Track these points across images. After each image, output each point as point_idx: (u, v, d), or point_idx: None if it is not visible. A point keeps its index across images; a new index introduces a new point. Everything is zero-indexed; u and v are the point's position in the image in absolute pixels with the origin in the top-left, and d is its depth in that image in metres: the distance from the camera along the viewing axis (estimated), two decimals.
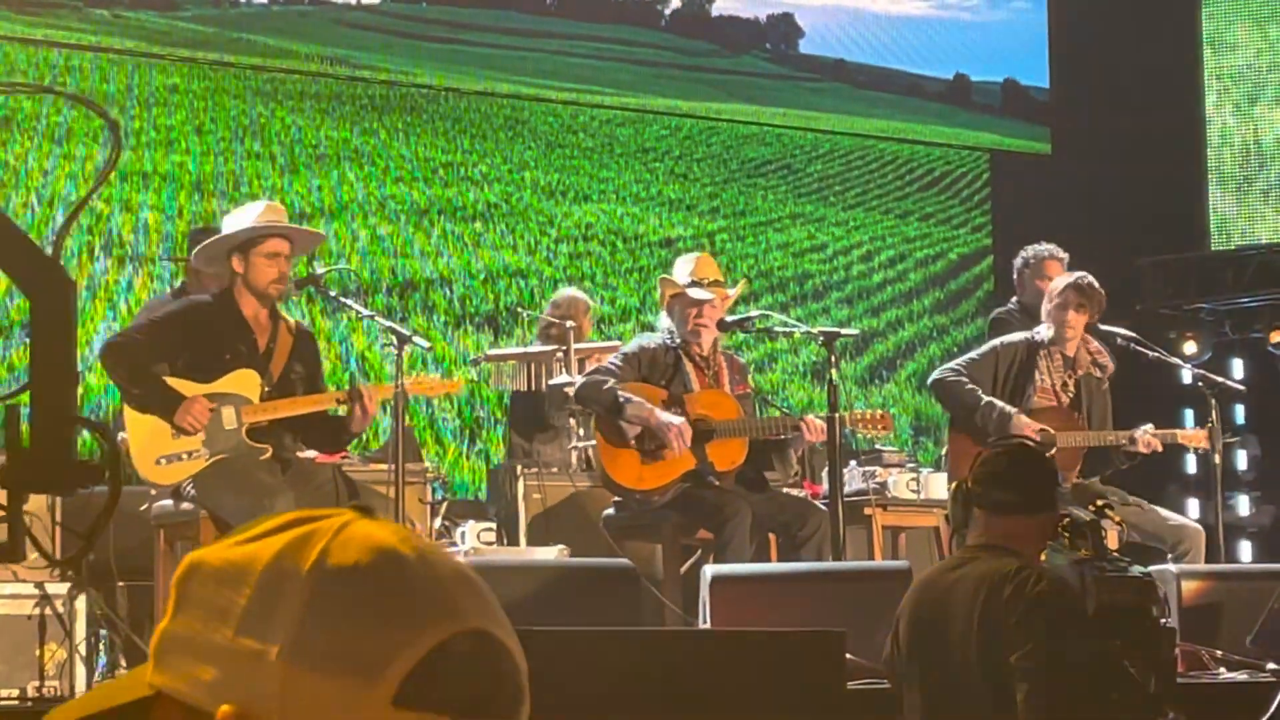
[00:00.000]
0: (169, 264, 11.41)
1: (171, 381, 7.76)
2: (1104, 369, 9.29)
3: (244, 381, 7.83)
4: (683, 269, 8.81)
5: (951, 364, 9.35)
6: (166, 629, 1.44)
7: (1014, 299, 10.28)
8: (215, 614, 1.41)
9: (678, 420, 8.49)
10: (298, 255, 8.12)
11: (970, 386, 9.06)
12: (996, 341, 9.39)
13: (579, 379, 8.84)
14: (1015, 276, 10.32)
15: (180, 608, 1.44)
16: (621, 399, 8.48)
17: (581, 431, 9.56)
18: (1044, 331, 9.23)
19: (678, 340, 8.75)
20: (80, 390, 11.10)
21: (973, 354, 9.40)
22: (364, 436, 10.72)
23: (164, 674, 1.42)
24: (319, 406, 7.91)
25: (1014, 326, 9.67)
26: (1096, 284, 9.19)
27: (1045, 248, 10.12)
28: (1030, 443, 6.02)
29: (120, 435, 8.08)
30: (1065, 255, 10.06)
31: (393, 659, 1.39)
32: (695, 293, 8.66)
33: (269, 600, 1.40)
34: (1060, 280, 9.25)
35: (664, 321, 8.86)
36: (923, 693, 5.43)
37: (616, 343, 10.16)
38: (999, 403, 8.99)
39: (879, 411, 9.10)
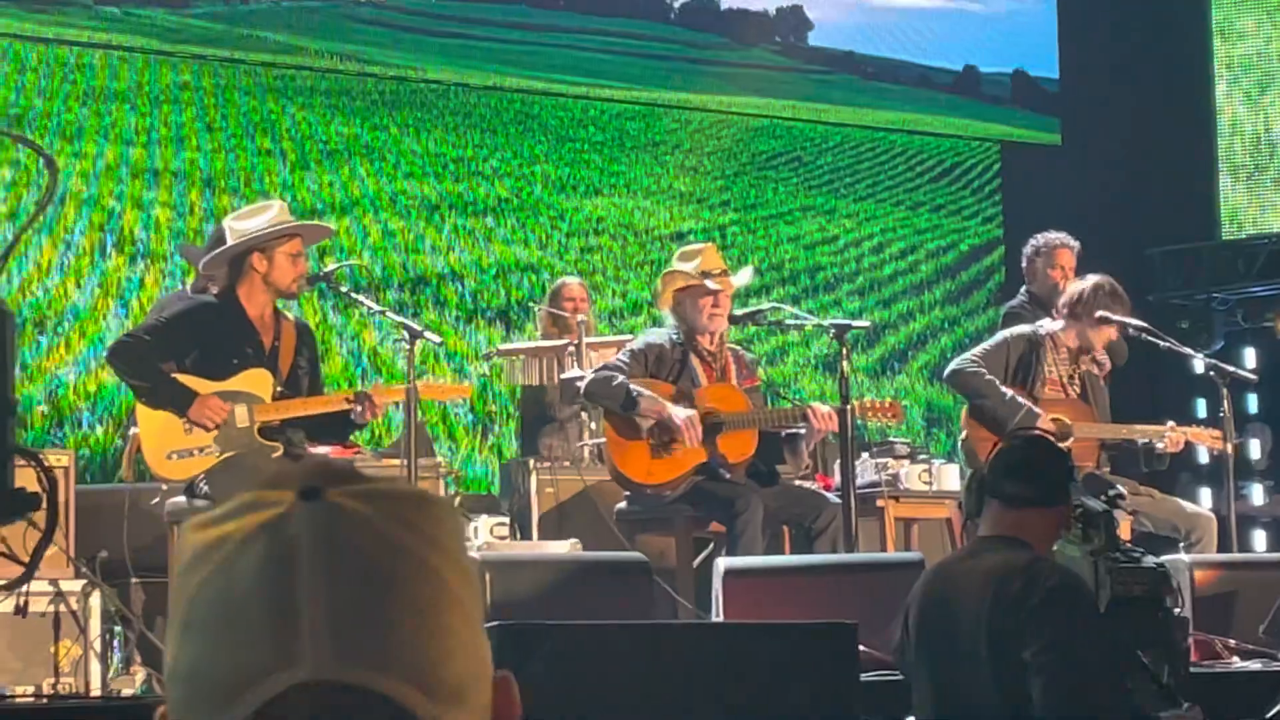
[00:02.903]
0: (181, 260, 11.43)
1: (184, 379, 7.82)
2: (1101, 366, 9.28)
3: (256, 380, 7.90)
4: (689, 262, 8.79)
5: (967, 355, 9.34)
6: None
7: (1023, 289, 10.26)
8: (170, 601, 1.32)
9: (688, 413, 8.50)
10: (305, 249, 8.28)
11: (989, 378, 9.05)
12: (1007, 332, 9.38)
13: (589, 374, 8.84)
14: (1025, 265, 10.28)
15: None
16: (633, 393, 8.48)
17: (594, 425, 9.58)
18: (1049, 325, 9.21)
19: (681, 336, 8.74)
20: (94, 387, 11.14)
21: (986, 345, 9.39)
22: (376, 432, 10.75)
23: None
24: (330, 407, 8.00)
25: (1026, 319, 9.65)
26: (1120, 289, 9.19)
27: (1056, 236, 10.09)
28: (1046, 434, 6.01)
29: (132, 430, 8.13)
30: (1077, 244, 10.03)
31: (223, 712, 1.22)
32: (711, 283, 8.65)
33: (172, 613, 1.28)
34: (1094, 286, 9.14)
35: (669, 317, 8.85)
36: (931, 682, 5.43)
37: (628, 336, 10.17)
38: (1023, 399, 8.96)
39: (889, 400, 9.11)
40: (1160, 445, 9.11)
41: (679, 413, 8.48)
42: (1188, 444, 9.43)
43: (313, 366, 8.21)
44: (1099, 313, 9.09)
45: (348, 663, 1.20)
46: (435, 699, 1.22)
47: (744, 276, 9.11)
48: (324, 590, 1.22)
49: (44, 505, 4.36)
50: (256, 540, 1.26)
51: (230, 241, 7.95)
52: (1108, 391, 9.40)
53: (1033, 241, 10.20)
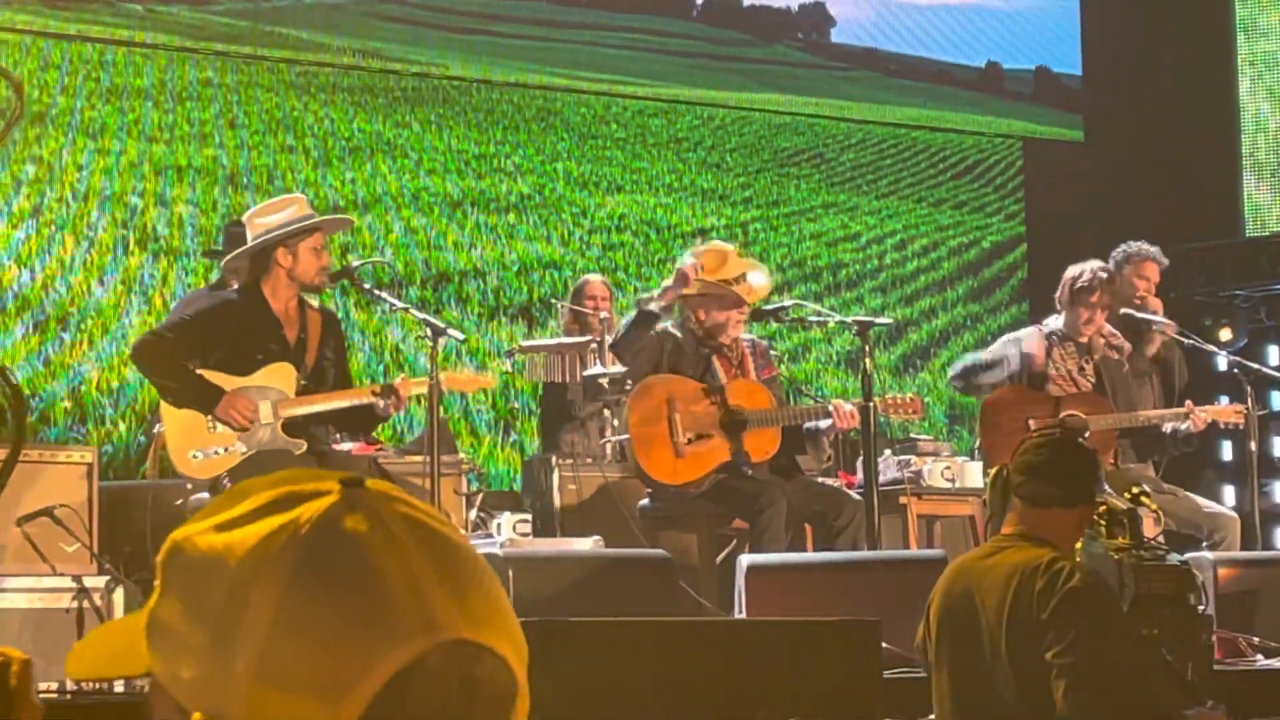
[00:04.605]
0: (204, 259, 11.44)
1: (208, 374, 7.82)
2: (1121, 350, 9.26)
3: (279, 375, 7.88)
4: (717, 263, 8.72)
5: (965, 361, 9.43)
6: (154, 610, 1.41)
7: None
8: (193, 610, 1.36)
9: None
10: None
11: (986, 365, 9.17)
12: (1006, 338, 9.42)
13: (615, 369, 8.83)
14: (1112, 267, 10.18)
15: (165, 591, 1.40)
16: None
17: (615, 422, 9.57)
18: (1052, 322, 9.22)
19: (692, 333, 8.72)
20: (116, 383, 11.15)
21: (990, 349, 9.43)
22: (399, 428, 10.76)
23: (155, 657, 1.40)
24: (354, 399, 7.97)
25: None
26: (1109, 270, 9.19)
27: (1148, 248, 9.85)
28: (1072, 433, 5.99)
29: (157, 428, 8.13)
30: (1166, 260, 9.87)
31: (360, 680, 1.31)
32: (744, 293, 8.65)
33: (239, 608, 1.34)
34: (1075, 272, 9.19)
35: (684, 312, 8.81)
36: (951, 678, 5.42)
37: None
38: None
39: (909, 395, 9.10)
40: (1185, 426, 9.12)
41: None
42: (1211, 438, 9.42)
43: (339, 358, 8.19)
44: (1122, 310, 9.09)
45: (472, 622, 1.32)
46: (520, 660, 1.35)
47: (761, 281, 9.00)
48: (430, 560, 1.33)
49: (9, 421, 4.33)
50: (333, 524, 1.34)
51: (252, 237, 7.95)
52: (1131, 377, 9.35)
53: (1123, 249, 9.98)
